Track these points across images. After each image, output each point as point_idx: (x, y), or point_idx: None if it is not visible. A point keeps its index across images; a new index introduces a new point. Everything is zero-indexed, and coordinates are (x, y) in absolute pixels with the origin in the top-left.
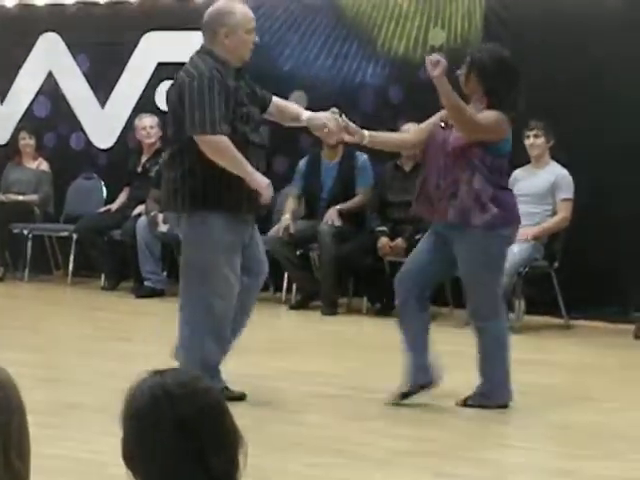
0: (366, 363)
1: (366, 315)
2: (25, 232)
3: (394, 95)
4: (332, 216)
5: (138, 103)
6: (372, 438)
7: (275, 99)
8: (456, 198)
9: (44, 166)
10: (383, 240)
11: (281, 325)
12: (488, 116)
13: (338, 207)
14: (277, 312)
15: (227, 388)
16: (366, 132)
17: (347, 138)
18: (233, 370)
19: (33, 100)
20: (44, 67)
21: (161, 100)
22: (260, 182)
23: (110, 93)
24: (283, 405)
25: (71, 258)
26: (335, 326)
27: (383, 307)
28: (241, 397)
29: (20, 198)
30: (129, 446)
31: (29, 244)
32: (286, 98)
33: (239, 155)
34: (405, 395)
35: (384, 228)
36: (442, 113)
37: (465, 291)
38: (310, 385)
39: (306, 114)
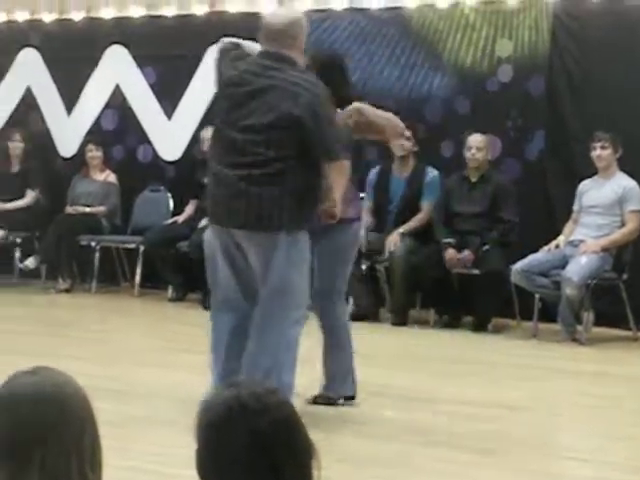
0: (434, 374)
1: (433, 327)
2: (93, 244)
3: (461, 106)
4: (393, 241)
5: (204, 115)
6: (440, 452)
7: None
8: None
9: (111, 178)
10: (450, 252)
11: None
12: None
13: (400, 230)
14: None
15: None
16: None
17: None
18: (303, 382)
19: (100, 113)
20: (111, 80)
21: None
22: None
23: (177, 105)
24: (353, 417)
25: (138, 270)
26: (404, 338)
27: (450, 319)
28: None
29: (87, 210)
30: (203, 458)
31: (97, 256)
32: None
33: None
34: None
35: (451, 240)
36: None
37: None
38: (379, 397)
39: None
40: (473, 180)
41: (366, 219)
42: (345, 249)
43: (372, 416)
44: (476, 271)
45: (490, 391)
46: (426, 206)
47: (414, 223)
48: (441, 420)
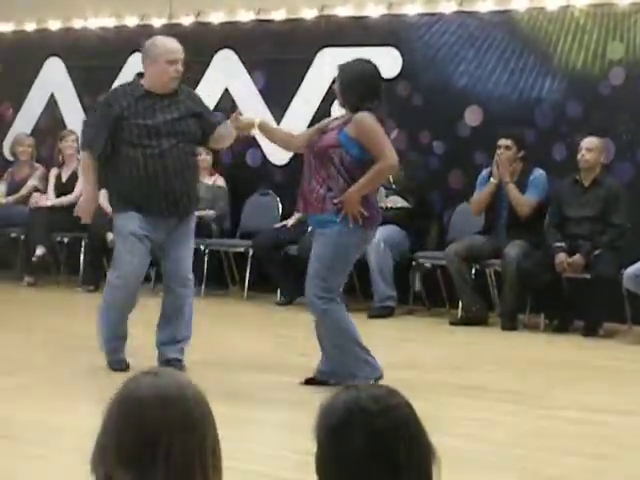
0: (547, 379)
1: (543, 332)
2: (202, 247)
3: (572, 110)
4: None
5: (313, 119)
6: (552, 457)
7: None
8: (319, 194)
9: (220, 182)
10: (561, 256)
11: (455, 340)
12: (375, 128)
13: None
14: (437, 326)
15: None
16: (257, 120)
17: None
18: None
19: None
20: (221, 84)
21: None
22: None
23: (286, 110)
24: (462, 421)
25: (247, 273)
26: (514, 342)
27: (560, 324)
28: None
29: (196, 214)
30: (322, 461)
31: (206, 259)
32: (462, 113)
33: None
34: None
35: (562, 244)
36: (326, 121)
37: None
38: (488, 400)
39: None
40: (585, 184)
41: None
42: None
43: (485, 419)
44: (587, 275)
45: (603, 396)
46: (527, 199)
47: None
48: (553, 424)
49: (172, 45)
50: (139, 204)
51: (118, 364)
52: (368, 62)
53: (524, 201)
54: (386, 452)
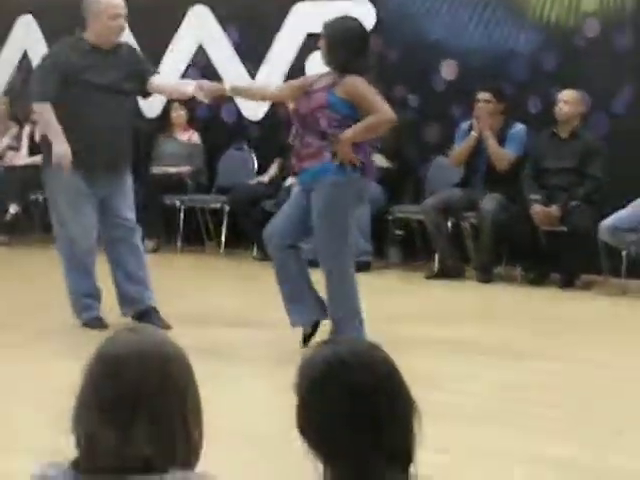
0: (524, 331)
1: (520, 284)
2: (177, 204)
3: (547, 62)
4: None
5: (288, 74)
6: (531, 408)
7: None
8: (314, 146)
9: (195, 138)
10: (536, 208)
11: (432, 294)
12: (364, 88)
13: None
14: (414, 280)
15: None
16: (227, 84)
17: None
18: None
19: (184, 73)
20: (194, 40)
21: (311, 71)
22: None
23: (260, 65)
24: (442, 375)
25: (224, 229)
26: (490, 295)
27: (537, 276)
28: None
29: (172, 170)
30: (304, 416)
31: (181, 216)
32: (437, 67)
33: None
34: (309, 336)
35: (538, 196)
36: (309, 79)
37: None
38: (467, 353)
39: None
40: (563, 136)
41: None
42: None
43: (465, 372)
44: (563, 228)
45: (580, 347)
46: (507, 153)
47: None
48: (531, 376)
49: (114, 0)
50: (83, 161)
51: (93, 321)
52: (354, 20)
53: (503, 155)
54: (368, 406)
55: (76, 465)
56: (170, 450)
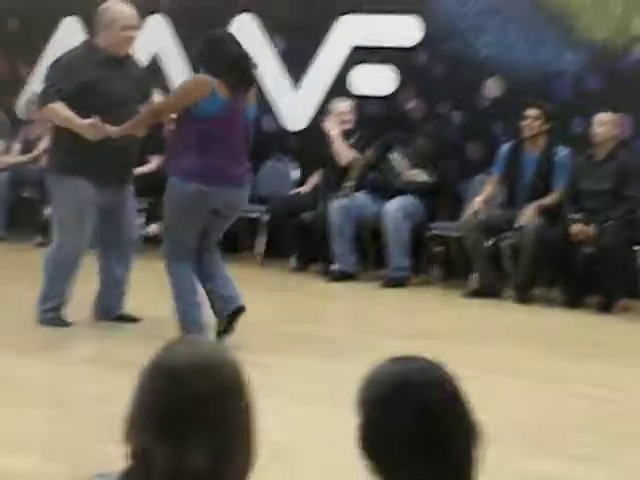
0: (560, 354)
1: (558, 306)
2: None
3: (592, 83)
4: (530, 214)
5: (332, 86)
6: (565, 432)
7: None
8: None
9: None
10: (576, 228)
11: (469, 312)
12: (181, 84)
13: (537, 204)
14: (451, 297)
15: None
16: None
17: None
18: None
19: None
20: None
21: (354, 84)
22: None
23: (304, 75)
24: (478, 396)
25: (261, 239)
26: (528, 315)
27: (574, 298)
28: None
29: None
30: (367, 435)
31: None
32: (482, 84)
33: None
34: (224, 331)
35: (577, 216)
36: None
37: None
38: (504, 375)
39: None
40: (599, 158)
41: (489, 190)
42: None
43: (501, 394)
44: (600, 249)
45: (615, 372)
46: (557, 187)
47: (547, 201)
48: (567, 400)
49: (127, 11)
50: (90, 171)
51: (58, 320)
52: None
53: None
54: (436, 425)
55: (127, 477)
56: (227, 463)
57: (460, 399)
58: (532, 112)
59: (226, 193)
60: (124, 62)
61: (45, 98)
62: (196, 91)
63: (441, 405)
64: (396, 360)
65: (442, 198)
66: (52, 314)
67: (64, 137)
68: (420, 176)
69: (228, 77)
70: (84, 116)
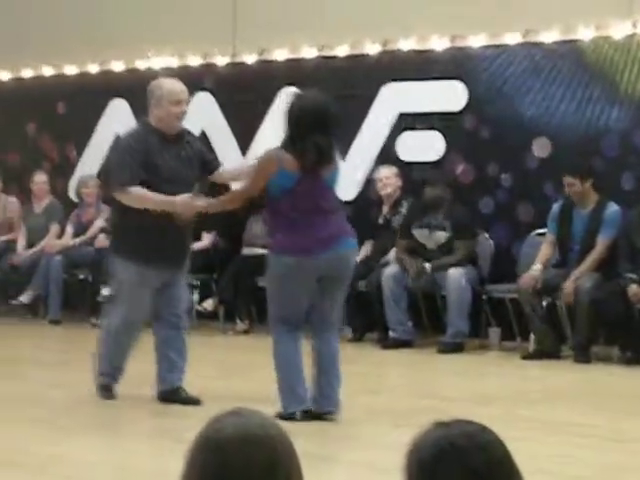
0: (622, 412)
1: (617, 364)
2: (260, 283)
3: (639, 139)
4: (569, 290)
5: (380, 154)
6: None
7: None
8: None
9: None
10: (634, 287)
11: (528, 374)
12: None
13: (577, 274)
14: (510, 360)
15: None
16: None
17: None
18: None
19: None
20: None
21: (402, 151)
22: None
23: (351, 145)
24: (541, 457)
25: None
26: (588, 375)
27: (634, 355)
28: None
29: (260, 251)
30: None
31: None
32: (529, 145)
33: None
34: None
35: (634, 275)
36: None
37: None
38: (566, 435)
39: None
40: None
41: (546, 253)
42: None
43: (564, 454)
44: None
45: None
46: (602, 241)
47: (588, 263)
48: (630, 458)
49: (175, 86)
50: (148, 255)
51: (106, 389)
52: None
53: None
54: None
55: None
56: None
57: (507, 462)
58: (568, 179)
59: (322, 259)
60: (177, 138)
61: (122, 183)
62: (264, 170)
63: (486, 469)
64: (441, 424)
65: (497, 260)
66: (105, 390)
67: (130, 220)
68: (441, 238)
69: (302, 158)
70: None
